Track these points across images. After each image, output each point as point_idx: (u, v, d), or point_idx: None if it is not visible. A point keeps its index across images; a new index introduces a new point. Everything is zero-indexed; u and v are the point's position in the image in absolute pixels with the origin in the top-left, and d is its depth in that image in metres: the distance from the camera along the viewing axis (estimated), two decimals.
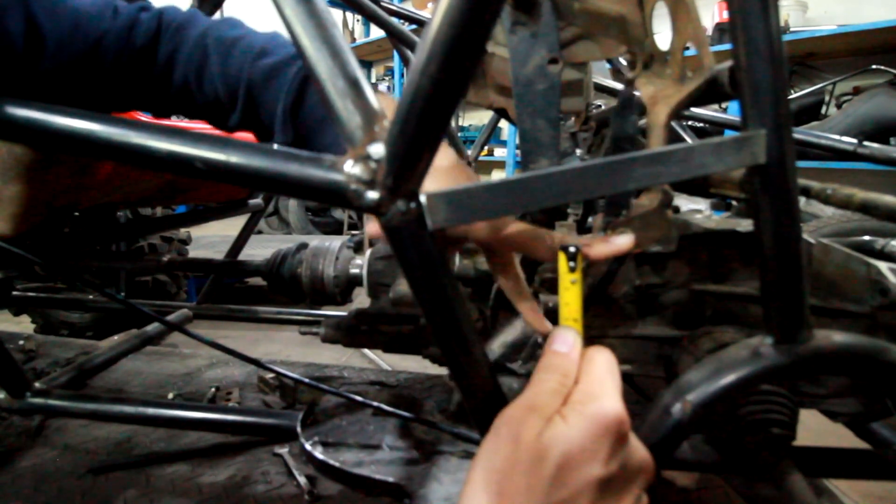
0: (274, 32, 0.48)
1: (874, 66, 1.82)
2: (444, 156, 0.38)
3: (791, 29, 2.10)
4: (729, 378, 0.34)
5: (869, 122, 1.72)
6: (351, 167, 0.25)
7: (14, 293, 1.42)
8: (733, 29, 0.30)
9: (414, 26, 1.20)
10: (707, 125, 1.08)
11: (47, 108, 0.28)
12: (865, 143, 0.72)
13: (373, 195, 0.25)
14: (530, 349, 0.53)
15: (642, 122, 0.66)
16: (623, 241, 0.35)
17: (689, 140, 0.85)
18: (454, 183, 0.37)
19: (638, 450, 0.31)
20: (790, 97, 2.05)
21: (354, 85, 0.25)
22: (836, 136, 0.75)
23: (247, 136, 0.47)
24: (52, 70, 0.42)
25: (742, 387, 0.34)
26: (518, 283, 0.42)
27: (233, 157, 0.26)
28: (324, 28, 0.26)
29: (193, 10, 0.51)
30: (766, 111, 0.30)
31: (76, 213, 1.03)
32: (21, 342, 1.37)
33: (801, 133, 0.78)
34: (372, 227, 0.40)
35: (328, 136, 0.44)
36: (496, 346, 0.50)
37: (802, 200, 0.60)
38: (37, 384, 0.72)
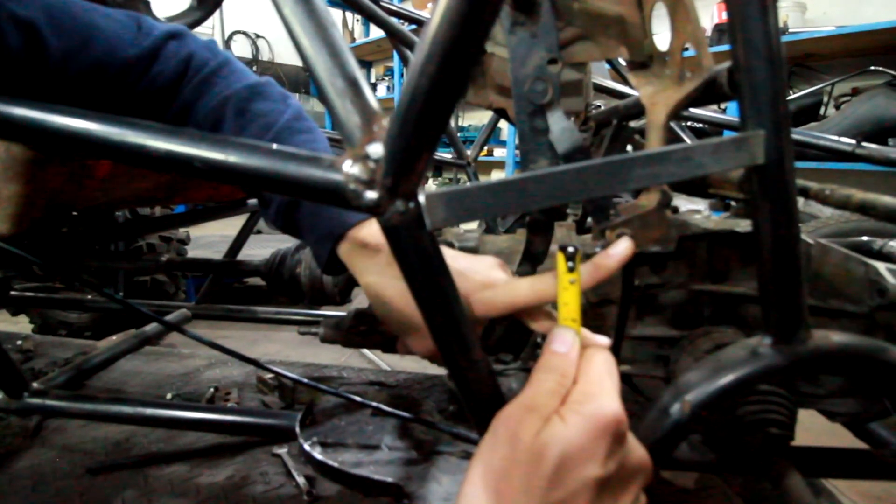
0: (298, 111, 0.47)
1: (873, 67, 1.82)
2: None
3: (790, 30, 2.10)
4: (727, 378, 0.34)
5: (867, 122, 1.72)
6: (349, 167, 0.25)
7: (12, 293, 1.42)
8: (732, 30, 0.30)
9: (413, 26, 1.20)
10: (706, 126, 1.08)
11: (45, 107, 0.28)
12: (864, 143, 0.72)
13: (371, 195, 0.25)
14: (530, 349, 0.53)
15: (641, 122, 0.67)
16: (623, 249, 0.34)
17: (688, 140, 0.85)
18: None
19: (636, 450, 0.31)
20: (789, 98, 2.05)
21: (353, 85, 0.25)
22: (835, 137, 0.76)
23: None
24: (56, 82, 0.42)
25: (740, 387, 0.34)
26: (549, 322, 0.40)
27: (231, 157, 0.26)
28: (323, 28, 0.26)
29: (225, 58, 0.49)
30: (765, 112, 0.30)
31: (74, 213, 1.03)
32: (19, 342, 1.36)
33: (799, 134, 0.78)
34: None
35: (318, 231, 0.45)
36: None
37: (801, 201, 0.61)
38: (35, 384, 0.72)
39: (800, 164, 1.91)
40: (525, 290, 0.38)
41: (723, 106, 1.92)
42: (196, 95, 0.46)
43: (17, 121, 0.28)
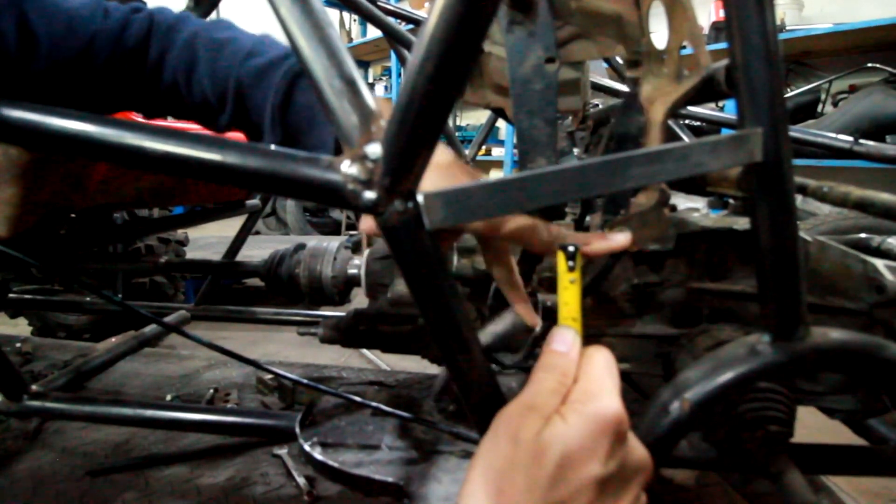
0: (265, 34, 0.48)
1: (870, 65, 1.82)
2: (442, 153, 0.38)
3: (787, 27, 2.11)
4: (727, 376, 0.34)
5: (865, 120, 1.73)
6: (348, 167, 0.25)
7: (11, 295, 1.41)
8: (729, 28, 0.30)
9: (411, 26, 1.20)
10: (704, 124, 1.08)
11: (42, 109, 0.28)
12: (861, 140, 0.72)
13: (370, 195, 0.25)
14: (529, 347, 0.53)
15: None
16: (621, 238, 0.35)
17: (686, 139, 0.86)
18: (452, 180, 0.38)
19: (636, 449, 0.31)
20: (786, 95, 2.06)
21: (351, 85, 0.25)
22: (833, 135, 0.76)
23: (237, 135, 0.47)
24: (45, 71, 0.42)
25: (740, 384, 0.34)
26: (511, 274, 0.43)
27: (229, 158, 0.26)
28: (320, 28, 0.26)
29: (185, 12, 0.51)
30: (763, 109, 0.30)
31: (72, 215, 1.03)
32: (18, 345, 1.36)
33: (797, 131, 0.78)
34: (365, 223, 0.40)
35: (316, 135, 0.44)
36: (484, 335, 0.51)
37: (799, 198, 0.61)
38: (34, 387, 0.72)
39: (798, 162, 1.91)
40: (522, 217, 0.38)
41: (720, 104, 1.92)
42: (166, 43, 0.47)
43: (15, 123, 0.28)
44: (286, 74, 0.44)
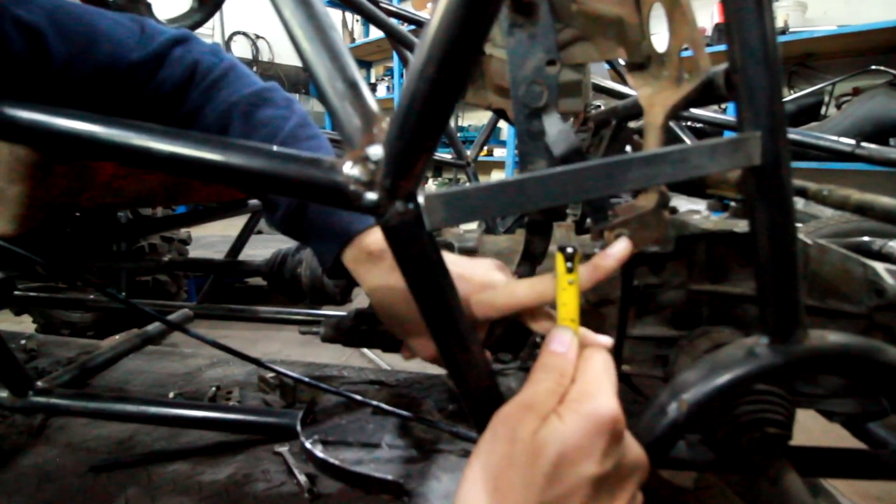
0: (303, 119, 0.48)
1: (874, 67, 1.82)
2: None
3: (790, 29, 2.10)
4: (724, 378, 0.34)
5: (868, 122, 1.72)
6: (350, 168, 0.25)
7: (15, 293, 1.42)
8: (729, 32, 0.30)
9: (412, 27, 1.20)
10: (705, 125, 1.08)
11: (50, 111, 0.28)
12: (863, 144, 0.72)
13: (371, 196, 0.25)
14: (529, 349, 0.53)
15: (640, 122, 0.67)
16: (621, 249, 0.35)
17: (687, 140, 0.86)
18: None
19: (633, 448, 0.31)
20: (790, 98, 2.05)
21: (353, 87, 0.26)
22: (835, 137, 0.76)
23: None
24: (59, 85, 0.42)
25: (737, 387, 0.34)
26: (549, 322, 0.40)
27: (234, 159, 0.26)
28: (323, 31, 0.26)
29: (231, 63, 0.50)
30: (762, 113, 0.30)
31: (77, 214, 1.04)
32: (23, 341, 1.37)
33: (799, 134, 0.78)
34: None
35: (324, 237, 0.46)
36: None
37: (801, 201, 0.61)
38: (39, 383, 0.73)
39: (801, 164, 1.91)
40: (524, 291, 0.38)
41: (723, 105, 1.92)
42: (203, 101, 0.47)
43: (23, 124, 0.28)
44: None
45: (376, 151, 0.25)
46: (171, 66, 0.46)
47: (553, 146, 0.39)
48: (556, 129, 0.40)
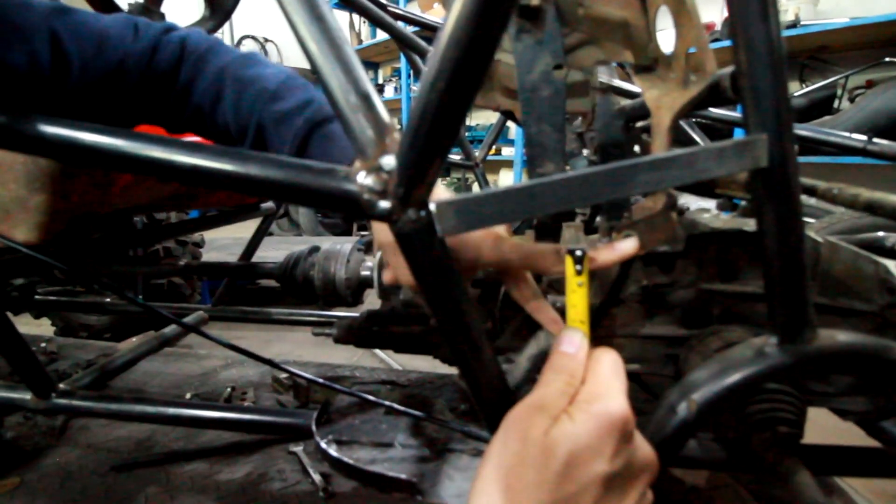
0: (290, 74, 0.49)
1: (887, 59, 1.79)
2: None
3: (802, 22, 2.07)
4: (733, 377, 0.34)
5: (882, 115, 1.69)
6: (364, 178, 0.26)
7: (36, 297, 1.46)
8: (734, 34, 0.31)
9: (417, 28, 1.21)
10: (716, 122, 1.07)
11: (75, 125, 0.30)
12: (875, 139, 0.71)
13: (385, 204, 0.26)
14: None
15: (648, 121, 0.67)
16: (627, 246, 0.35)
17: (697, 137, 0.85)
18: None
19: (643, 447, 0.31)
20: (802, 92, 2.02)
21: (366, 100, 0.27)
22: (846, 133, 0.75)
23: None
24: (78, 89, 0.44)
25: (746, 386, 0.34)
26: (534, 294, 0.42)
27: (252, 170, 0.27)
28: (336, 46, 0.27)
29: (216, 39, 0.52)
30: (768, 115, 0.31)
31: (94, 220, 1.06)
32: (43, 344, 1.41)
33: (810, 130, 0.77)
34: (377, 227, 0.41)
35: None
36: (523, 360, 0.51)
37: (813, 199, 0.60)
38: (61, 385, 0.75)
39: (812, 159, 1.89)
40: (530, 246, 0.39)
41: None
42: (195, 72, 0.49)
43: (50, 138, 0.30)
44: (305, 123, 0.45)
45: (389, 161, 0.26)
46: (163, 49, 0.48)
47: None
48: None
